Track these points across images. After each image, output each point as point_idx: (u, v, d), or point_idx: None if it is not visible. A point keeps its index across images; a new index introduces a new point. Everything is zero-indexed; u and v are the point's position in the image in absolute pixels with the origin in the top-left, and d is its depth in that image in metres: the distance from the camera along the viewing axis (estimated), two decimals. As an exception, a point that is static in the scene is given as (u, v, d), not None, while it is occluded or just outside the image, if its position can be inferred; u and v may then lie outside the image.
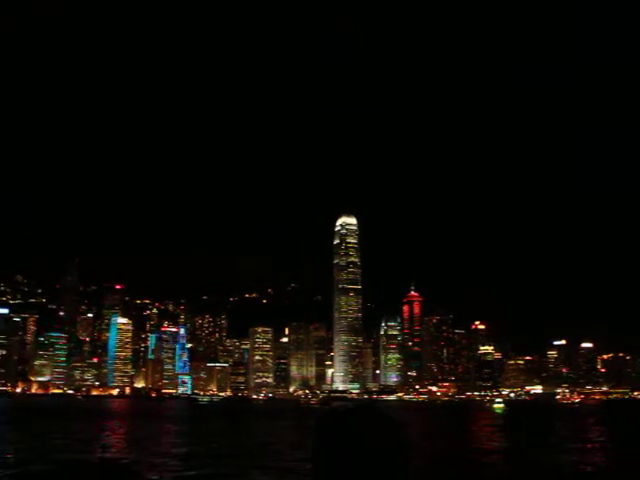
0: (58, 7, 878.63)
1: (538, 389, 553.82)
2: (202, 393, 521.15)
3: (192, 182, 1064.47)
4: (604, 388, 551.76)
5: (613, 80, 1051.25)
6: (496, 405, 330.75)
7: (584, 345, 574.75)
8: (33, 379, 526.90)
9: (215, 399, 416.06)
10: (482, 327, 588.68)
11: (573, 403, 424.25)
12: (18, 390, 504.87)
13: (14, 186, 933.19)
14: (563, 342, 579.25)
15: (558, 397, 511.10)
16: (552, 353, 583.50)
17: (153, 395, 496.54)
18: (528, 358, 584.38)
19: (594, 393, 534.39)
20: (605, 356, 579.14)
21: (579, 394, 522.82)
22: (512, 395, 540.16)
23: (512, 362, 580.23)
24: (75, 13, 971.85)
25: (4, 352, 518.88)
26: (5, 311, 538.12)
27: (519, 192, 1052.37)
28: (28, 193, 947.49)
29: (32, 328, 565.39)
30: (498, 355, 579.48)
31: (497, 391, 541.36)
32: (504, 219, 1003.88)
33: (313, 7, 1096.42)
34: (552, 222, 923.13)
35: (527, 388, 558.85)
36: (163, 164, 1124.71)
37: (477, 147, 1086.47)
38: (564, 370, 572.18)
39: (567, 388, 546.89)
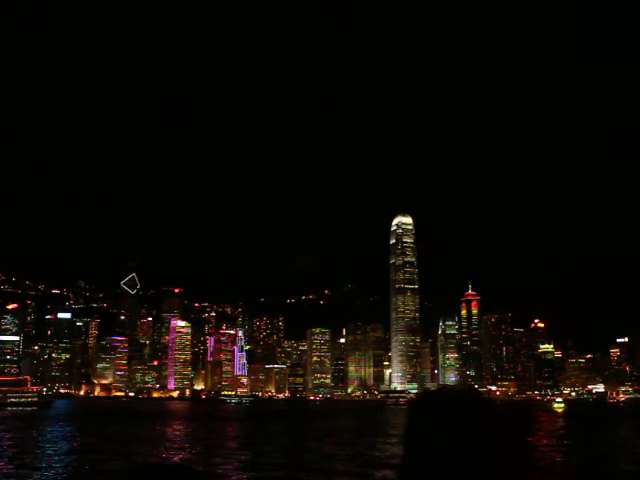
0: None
1: (600, 388, 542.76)
2: (260, 395, 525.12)
3: (248, 184, 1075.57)
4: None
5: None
6: (556, 405, 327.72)
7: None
8: (96, 382, 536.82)
9: (245, 400, 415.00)
10: (541, 325, 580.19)
11: (619, 402, 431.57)
12: (81, 393, 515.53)
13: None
14: (625, 339, 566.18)
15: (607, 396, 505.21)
16: (614, 351, 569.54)
17: (203, 397, 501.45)
18: (589, 356, 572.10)
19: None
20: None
21: (624, 393, 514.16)
22: (573, 394, 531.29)
23: (573, 360, 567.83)
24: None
25: (67, 356, 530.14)
26: (68, 316, 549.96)
27: (570, 190, 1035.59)
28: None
29: (94, 332, 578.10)
30: (558, 353, 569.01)
31: (558, 390, 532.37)
32: (562, 214, 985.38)
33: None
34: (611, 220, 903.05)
35: (589, 387, 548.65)
36: (215, 168, 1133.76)
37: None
38: (627, 368, 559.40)
39: (630, 387, 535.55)
